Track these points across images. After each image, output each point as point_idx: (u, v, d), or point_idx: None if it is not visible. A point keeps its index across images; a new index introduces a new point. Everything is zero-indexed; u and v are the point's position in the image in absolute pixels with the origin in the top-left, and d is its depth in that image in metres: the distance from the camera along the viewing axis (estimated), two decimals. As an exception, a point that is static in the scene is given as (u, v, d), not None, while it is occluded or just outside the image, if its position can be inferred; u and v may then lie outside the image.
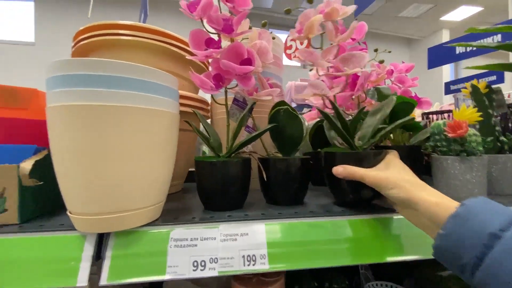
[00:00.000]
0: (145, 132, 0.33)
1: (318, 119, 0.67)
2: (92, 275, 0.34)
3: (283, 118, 0.44)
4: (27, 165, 0.38)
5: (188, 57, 0.42)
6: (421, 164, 0.60)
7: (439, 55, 2.14)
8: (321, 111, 0.44)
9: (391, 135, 0.64)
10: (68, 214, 0.34)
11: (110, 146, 0.31)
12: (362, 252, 0.38)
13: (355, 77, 0.59)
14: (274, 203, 0.47)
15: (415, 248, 0.39)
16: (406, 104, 0.52)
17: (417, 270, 0.63)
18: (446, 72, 6.47)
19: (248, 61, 0.42)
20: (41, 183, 0.38)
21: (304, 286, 0.57)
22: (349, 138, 0.43)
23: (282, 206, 0.45)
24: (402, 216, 0.41)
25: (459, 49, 2.01)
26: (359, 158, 0.41)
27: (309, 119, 0.75)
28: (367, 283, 0.57)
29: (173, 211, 0.43)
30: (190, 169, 0.71)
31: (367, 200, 0.43)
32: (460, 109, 0.49)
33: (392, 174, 0.36)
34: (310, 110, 1.03)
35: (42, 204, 0.42)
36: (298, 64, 5.75)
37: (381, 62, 0.68)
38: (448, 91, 2.52)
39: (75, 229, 0.35)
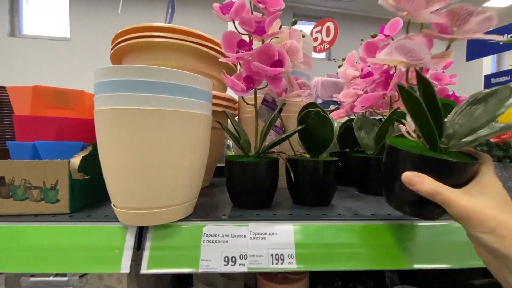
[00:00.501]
0: (183, 134, 0.35)
1: (347, 119, 0.66)
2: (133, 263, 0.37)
3: (314, 120, 0.44)
4: (76, 160, 0.41)
5: (221, 59, 0.43)
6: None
7: (479, 46, 1.98)
8: (400, 87, 0.30)
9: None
10: (112, 207, 0.37)
11: (152, 147, 0.33)
12: (389, 258, 0.38)
13: (388, 75, 0.57)
14: (301, 203, 0.47)
15: (447, 257, 0.38)
16: (443, 106, 0.49)
17: (448, 276, 0.61)
18: (487, 63, 5.91)
19: (279, 63, 0.42)
20: (88, 177, 0.42)
21: (327, 285, 0.57)
22: (436, 134, 0.30)
23: (310, 207, 0.46)
24: (433, 223, 0.40)
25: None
26: (446, 167, 0.28)
27: (336, 118, 0.74)
28: (392, 286, 0.57)
29: (204, 206, 0.46)
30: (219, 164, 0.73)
31: (433, 214, 0.32)
32: (505, 112, 0.46)
33: (489, 209, 0.25)
34: (337, 108, 1.01)
35: (89, 195, 0.46)
36: (323, 56, 5.60)
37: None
38: (488, 84, 2.32)
39: (118, 221, 0.38)
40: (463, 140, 0.29)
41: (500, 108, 0.27)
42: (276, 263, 0.37)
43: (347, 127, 0.64)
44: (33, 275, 0.39)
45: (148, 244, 0.37)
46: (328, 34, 2.48)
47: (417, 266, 0.38)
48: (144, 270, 0.36)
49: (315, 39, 2.54)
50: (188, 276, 0.56)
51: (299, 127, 0.44)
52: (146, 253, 0.36)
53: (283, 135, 0.43)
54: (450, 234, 0.39)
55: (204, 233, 0.38)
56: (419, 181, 0.28)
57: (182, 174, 0.36)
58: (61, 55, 4.77)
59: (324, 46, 2.52)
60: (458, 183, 0.28)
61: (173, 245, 0.37)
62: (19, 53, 4.58)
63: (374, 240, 0.39)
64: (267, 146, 0.44)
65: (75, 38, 4.91)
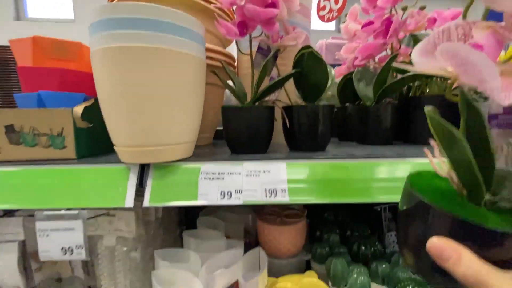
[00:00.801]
0: (176, 73, 0.36)
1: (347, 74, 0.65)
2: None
3: (308, 63, 0.44)
4: (79, 109, 0.43)
5: (213, 5, 0.42)
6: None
7: None
8: (429, 113, 0.21)
9: (427, 87, 0.60)
10: (114, 148, 0.39)
11: (147, 84, 0.34)
12: (382, 191, 0.39)
13: (389, 22, 0.56)
14: (297, 149, 0.48)
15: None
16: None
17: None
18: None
19: (273, 5, 0.41)
20: (91, 125, 0.44)
21: (325, 232, 0.60)
22: (482, 186, 0.21)
23: (305, 152, 0.47)
24: (427, 160, 0.41)
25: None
26: (496, 239, 0.19)
27: (338, 75, 0.73)
28: (388, 232, 0.58)
29: (203, 154, 0.48)
30: (218, 128, 0.75)
31: None
32: (508, 50, 0.44)
33: None
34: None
35: (95, 144, 0.48)
36: (332, 27, 5.37)
37: (422, 8, 0.62)
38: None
39: (121, 162, 0.40)
40: None
41: None
42: (270, 197, 0.38)
43: (347, 80, 0.63)
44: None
45: (149, 182, 0.39)
46: (336, 2, 2.36)
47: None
48: (146, 204, 0.38)
49: (323, 8, 2.43)
50: (193, 223, 0.59)
51: (293, 71, 0.44)
52: (148, 190, 0.39)
53: (276, 79, 0.43)
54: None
55: (202, 171, 0.40)
56: (455, 258, 0.19)
57: (178, 113, 0.38)
58: (66, 36, 4.76)
59: (333, 14, 2.40)
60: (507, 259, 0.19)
61: (173, 182, 0.39)
62: (26, 36, 4.60)
63: (366, 175, 0.40)
64: (261, 91, 0.44)
65: (79, 19, 4.88)
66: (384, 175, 0.40)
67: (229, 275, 0.41)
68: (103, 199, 0.39)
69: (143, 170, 0.41)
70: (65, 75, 0.45)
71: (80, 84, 0.47)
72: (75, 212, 0.38)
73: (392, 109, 0.53)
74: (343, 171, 0.40)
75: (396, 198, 0.38)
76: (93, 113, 0.45)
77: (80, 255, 0.39)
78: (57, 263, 0.63)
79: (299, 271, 0.54)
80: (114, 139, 0.39)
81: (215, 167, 0.40)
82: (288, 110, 0.46)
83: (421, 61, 0.21)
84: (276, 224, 0.52)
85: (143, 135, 0.36)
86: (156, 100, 0.35)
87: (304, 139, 0.47)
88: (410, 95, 0.62)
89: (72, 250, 0.39)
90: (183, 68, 0.37)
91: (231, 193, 0.39)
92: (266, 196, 0.38)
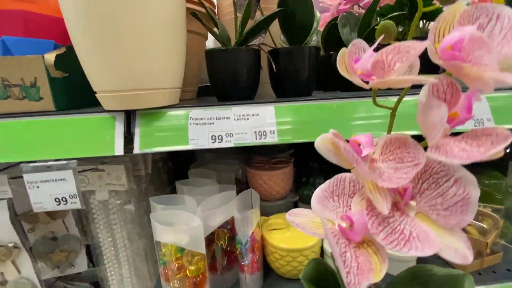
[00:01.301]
0: (156, 7, 0.34)
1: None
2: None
3: (292, 1, 0.42)
4: (50, 56, 0.40)
5: None
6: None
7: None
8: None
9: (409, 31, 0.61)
10: (97, 95, 0.38)
11: (124, 19, 0.32)
12: (365, 130, 0.41)
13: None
14: (283, 95, 0.49)
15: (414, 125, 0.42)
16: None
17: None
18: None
19: None
20: (67, 74, 0.42)
21: (311, 178, 0.64)
22: None
23: (291, 97, 0.47)
24: (412, 98, 0.42)
25: None
26: None
27: (323, 23, 0.71)
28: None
29: (189, 103, 0.47)
30: (201, 85, 0.73)
31: None
32: None
33: None
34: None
35: (74, 96, 0.46)
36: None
37: None
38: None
39: (106, 111, 0.39)
40: None
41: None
42: (259, 138, 0.40)
43: (331, 27, 0.62)
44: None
45: (137, 129, 0.39)
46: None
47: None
48: (136, 150, 0.38)
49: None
50: (185, 174, 0.60)
51: (278, 9, 0.42)
52: (136, 137, 0.39)
53: (261, 18, 0.41)
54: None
55: (190, 117, 0.40)
56: None
57: (158, 51, 0.36)
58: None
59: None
60: None
61: (162, 129, 0.39)
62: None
63: (351, 115, 0.41)
64: (246, 32, 0.43)
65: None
66: (368, 114, 0.41)
67: (225, 212, 0.44)
68: (92, 148, 0.38)
69: (129, 118, 0.40)
70: (28, 19, 0.41)
71: (47, 30, 0.43)
72: (63, 162, 0.38)
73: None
74: (329, 112, 0.41)
75: (379, 135, 0.41)
76: (68, 63, 0.42)
77: (75, 204, 0.39)
78: (49, 222, 0.64)
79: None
80: (95, 86, 0.37)
81: (204, 113, 0.40)
82: (274, 53, 0.46)
83: (316, 208, 0.25)
84: (266, 170, 0.54)
85: (125, 77, 0.35)
86: (135, 37, 0.33)
87: (290, 84, 0.47)
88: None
89: (66, 200, 0.39)
90: (162, 2, 0.34)
91: (221, 137, 0.39)
92: (256, 138, 0.39)
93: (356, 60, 0.23)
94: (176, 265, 0.41)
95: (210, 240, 0.47)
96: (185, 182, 0.52)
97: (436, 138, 0.19)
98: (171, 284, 0.43)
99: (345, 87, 0.59)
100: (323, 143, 0.24)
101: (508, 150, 0.82)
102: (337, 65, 0.25)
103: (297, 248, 0.46)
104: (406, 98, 0.39)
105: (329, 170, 0.68)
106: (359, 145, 0.22)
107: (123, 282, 0.59)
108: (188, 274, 0.40)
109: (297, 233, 0.50)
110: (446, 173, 0.19)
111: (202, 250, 0.40)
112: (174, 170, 0.83)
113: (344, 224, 0.22)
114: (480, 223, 0.44)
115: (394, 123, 0.27)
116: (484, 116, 0.43)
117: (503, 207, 0.45)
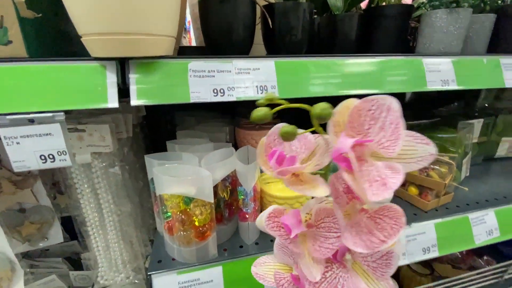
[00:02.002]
0: None
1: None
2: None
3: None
4: (17, -9, 0.34)
5: None
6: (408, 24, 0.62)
7: None
8: None
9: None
10: (82, 40, 0.34)
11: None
12: (357, 86, 0.44)
13: None
14: (277, 52, 0.49)
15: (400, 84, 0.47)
16: None
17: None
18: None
19: None
20: (40, 15, 0.36)
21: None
22: None
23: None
24: (389, 58, 0.46)
25: None
26: None
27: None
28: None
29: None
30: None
31: None
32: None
33: None
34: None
35: (50, 42, 0.40)
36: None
37: None
38: None
39: (96, 59, 0.35)
40: None
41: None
42: (261, 93, 0.40)
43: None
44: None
45: (133, 80, 0.36)
46: None
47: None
48: (134, 102, 0.36)
49: None
50: (162, 143, 0.58)
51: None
52: (133, 87, 0.36)
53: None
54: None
55: (190, 69, 0.38)
56: None
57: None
58: None
59: None
60: None
61: (160, 80, 0.37)
62: None
63: (345, 71, 0.44)
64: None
65: None
66: (361, 70, 0.44)
67: (228, 165, 0.44)
68: (80, 100, 0.35)
69: (123, 69, 0.37)
70: None
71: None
72: (49, 115, 0.34)
73: (359, 18, 0.56)
74: (325, 68, 0.43)
75: (369, 92, 0.45)
76: (42, 1, 0.36)
77: (64, 161, 0.36)
78: (15, 193, 0.57)
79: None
80: (80, 27, 0.33)
81: (204, 65, 0.39)
82: (269, 8, 0.45)
83: (277, 253, 0.29)
84: (255, 130, 0.56)
85: (118, 16, 0.31)
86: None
87: (285, 39, 0.47)
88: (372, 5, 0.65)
89: (53, 157, 0.36)
90: None
91: (223, 90, 0.39)
92: (258, 92, 0.40)
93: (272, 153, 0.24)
94: (182, 217, 0.41)
95: (214, 193, 0.47)
96: (176, 141, 0.51)
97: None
98: (177, 235, 0.43)
99: (331, 50, 0.61)
100: (260, 224, 0.27)
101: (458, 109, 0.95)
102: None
103: (293, 196, 0.49)
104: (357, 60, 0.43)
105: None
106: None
107: (109, 248, 0.57)
108: (196, 223, 0.41)
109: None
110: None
111: (211, 199, 0.41)
112: (151, 138, 0.80)
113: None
114: (439, 168, 0.52)
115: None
116: (449, 77, 0.50)
117: (457, 155, 0.55)
